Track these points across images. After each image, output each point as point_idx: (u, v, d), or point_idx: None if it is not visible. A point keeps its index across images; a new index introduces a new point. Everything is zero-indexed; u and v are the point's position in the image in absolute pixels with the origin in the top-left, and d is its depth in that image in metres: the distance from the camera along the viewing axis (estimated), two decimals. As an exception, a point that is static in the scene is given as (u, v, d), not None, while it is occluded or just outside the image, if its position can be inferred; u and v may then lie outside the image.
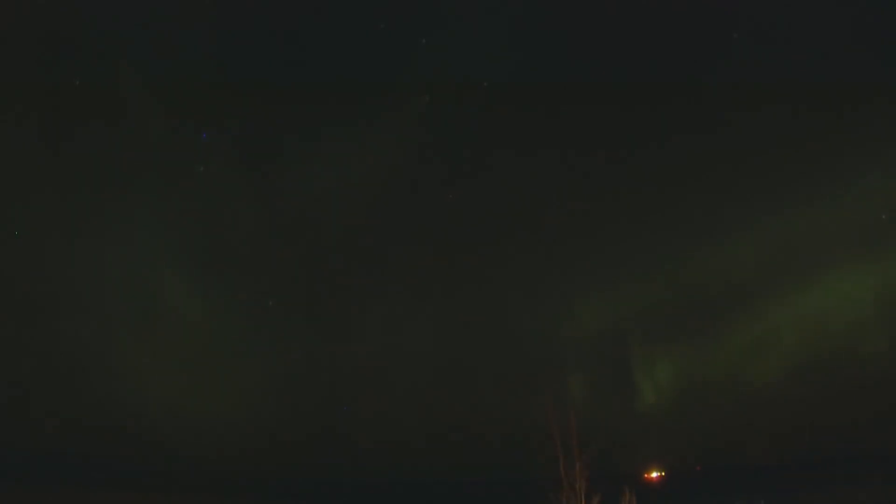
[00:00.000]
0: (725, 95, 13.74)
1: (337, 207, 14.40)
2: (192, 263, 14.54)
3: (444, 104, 14.00)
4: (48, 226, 14.35)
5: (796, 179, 13.60)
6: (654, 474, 13.73)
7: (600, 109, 13.82)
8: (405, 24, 13.96)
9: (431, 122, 14.09)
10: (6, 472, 13.66)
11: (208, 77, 14.15)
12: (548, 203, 14.08)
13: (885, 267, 13.47)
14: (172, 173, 14.27)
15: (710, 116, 13.77)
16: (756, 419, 13.44)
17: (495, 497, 13.74)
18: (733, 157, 13.83)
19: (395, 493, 13.74)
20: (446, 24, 13.95)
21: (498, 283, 14.04)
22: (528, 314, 13.97)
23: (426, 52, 13.92)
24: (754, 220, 13.77)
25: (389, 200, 14.39)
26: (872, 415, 13.40)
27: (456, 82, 13.98)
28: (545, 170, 14.02)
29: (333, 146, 14.31)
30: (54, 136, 13.94)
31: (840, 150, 13.56)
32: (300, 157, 14.37)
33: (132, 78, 14.10)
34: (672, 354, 13.60)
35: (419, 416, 13.88)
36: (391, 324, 14.30)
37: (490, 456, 13.58)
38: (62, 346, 13.98)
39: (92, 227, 14.41)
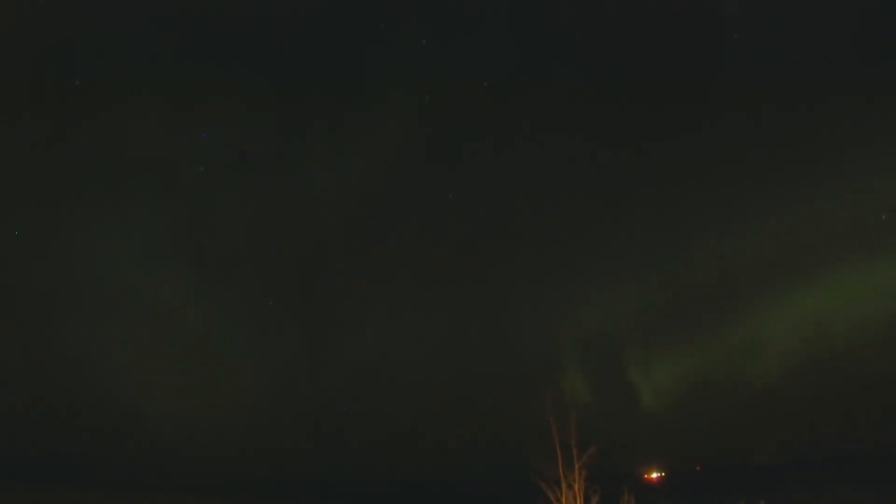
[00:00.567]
0: (724, 95, 13.74)
1: (337, 207, 14.40)
2: (192, 263, 14.54)
3: (443, 104, 13.99)
4: (48, 227, 14.36)
5: (797, 179, 13.62)
6: (654, 475, 13.73)
7: (600, 109, 13.83)
8: (405, 25, 13.96)
9: (431, 121, 14.09)
10: (6, 472, 13.69)
11: (208, 77, 14.14)
12: (547, 203, 14.10)
13: (885, 266, 13.47)
14: (174, 173, 14.27)
15: (708, 116, 13.77)
16: (756, 419, 13.45)
17: (494, 497, 13.74)
18: (732, 157, 13.84)
19: (394, 493, 13.74)
20: (446, 25, 13.95)
21: (498, 283, 14.05)
22: (528, 314, 13.98)
23: (426, 53, 13.92)
24: (755, 220, 13.81)
25: (389, 200, 14.38)
26: (873, 415, 13.41)
27: (456, 82, 13.97)
28: (545, 170, 14.03)
29: (334, 146, 14.32)
30: (53, 136, 13.96)
31: (841, 149, 13.57)
32: (300, 157, 14.37)
33: (132, 78, 14.10)
34: (672, 354, 13.61)
35: (417, 416, 13.88)
36: (391, 324, 14.31)
37: (489, 456, 13.59)
38: (61, 346, 13.99)
39: (93, 229, 14.41)
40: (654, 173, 13.92)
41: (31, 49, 13.72)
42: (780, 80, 13.81)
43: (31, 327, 14.00)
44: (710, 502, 13.67)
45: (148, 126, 14.03)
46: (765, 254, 13.61)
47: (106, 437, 13.93)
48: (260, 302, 14.26)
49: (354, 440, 13.98)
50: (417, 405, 13.91)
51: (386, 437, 13.88)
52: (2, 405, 13.91)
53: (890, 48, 13.57)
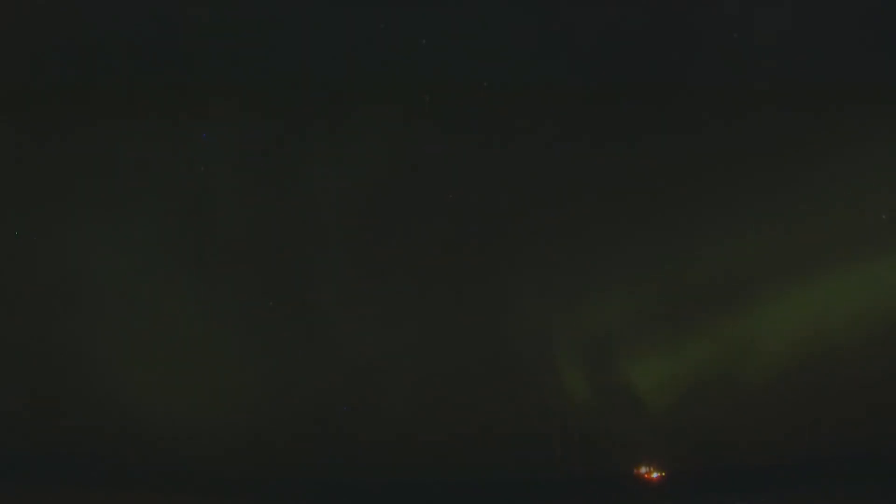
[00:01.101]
0: (722, 95, 13.85)
1: (337, 207, 14.50)
2: (192, 263, 14.61)
3: (444, 104, 14.14)
4: (48, 226, 14.44)
5: (796, 179, 13.70)
6: (654, 474, 13.85)
7: (599, 111, 13.97)
8: (406, 25, 14.09)
9: (431, 122, 14.23)
10: (6, 472, 13.81)
11: (208, 77, 14.27)
12: (546, 202, 14.19)
13: (885, 266, 13.54)
14: (174, 173, 14.38)
15: (707, 117, 13.87)
16: (755, 418, 13.53)
17: (491, 496, 13.90)
18: (731, 157, 13.89)
19: (392, 492, 13.91)
20: (446, 25, 14.06)
21: (496, 282, 14.15)
22: (525, 313, 14.09)
23: (426, 53, 14.06)
24: (754, 219, 13.82)
25: (389, 200, 14.50)
26: (872, 414, 13.51)
27: (456, 82, 14.12)
28: (544, 170, 14.13)
29: (333, 146, 14.42)
30: (52, 136, 14.04)
31: (841, 149, 13.66)
32: (299, 156, 14.47)
33: (132, 77, 14.21)
34: (669, 352, 13.71)
35: (416, 415, 14.02)
36: (391, 324, 14.42)
37: (487, 455, 13.74)
38: (61, 344, 14.07)
39: (93, 228, 14.48)
40: (652, 173, 14.00)
41: (31, 49, 13.83)
42: (779, 79, 13.92)
43: (31, 326, 14.13)
44: (709, 502, 13.81)
45: (148, 126, 14.16)
46: (764, 252, 13.65)
47: (105, 436, 14.03)
48: (260, 302, 14.37)
49: (354, 439, 14.13)
50: (416, 404, 14.05)
51: (385, 436, 14.02)
52: (1, 404, 14.06)
53: (892, 47, 13.66)
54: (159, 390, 13.87)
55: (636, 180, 13.80)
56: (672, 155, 13.91)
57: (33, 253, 13.90)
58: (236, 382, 14.04)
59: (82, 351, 13.98)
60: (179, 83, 13.96)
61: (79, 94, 13.88)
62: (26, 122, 13.78)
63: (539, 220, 14.00)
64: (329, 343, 14.01)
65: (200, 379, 13.98)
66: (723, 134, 13.83)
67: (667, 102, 13.89)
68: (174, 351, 14.03)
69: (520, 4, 13.64)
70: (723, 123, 13.86)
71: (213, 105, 13.90)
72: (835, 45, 13.71)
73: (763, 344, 13.84)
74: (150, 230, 13.75)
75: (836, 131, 13.68)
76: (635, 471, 13.73)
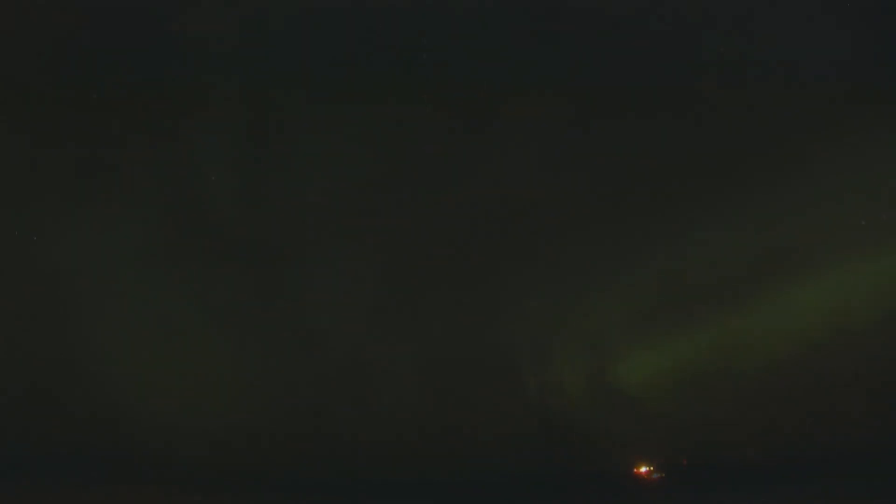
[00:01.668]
0: (719, 95, 13.93)
1: (337, 209, 14.59)
2: (194, 264, 14.68)
3: (443, 109, 14.26)
4: (49, 226, 14.51)
5: (794, 177, 13.75)
6: (644, 469, 13.90)
7: (598, 113, 14.05)
8: (406, 31, 14.19)
9: (431, 126, 14.33)
10: (6, 470, 13.84)
11: (210, 78, 14.38)
12: (544, 201, 14.28)
13: (881, 264, 13.58)
14: (177, 175, 14.45)
15: (704, 116, 13.93)
16: (749, 414, 13.54)
17: (488, 493, 13.95)
18: (728, 156, 13.96)
19: (389, 491, 13.97)
20: (447, 31, 14.17)
21: (494, 281, 14.22)
22: (522, 312, 14.17)
23: (426, 59, 14.16)
24: (750, 216, 13.91)
25: (389, 202, 14.58)
26: (868, 411, 13.52)
27: (456, 87, 14.23)
28: (543, 173, 14.24)
29: (335, 149, 14.52)
30: (53, 137, 14.10)
31: (839, 148, 13.71)
32: (300, 160, 14.55)
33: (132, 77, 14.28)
34: (666, 349, 13.77)
35: (415, 414, 14.09)
36: (390, 324, 14.49)
37: (482, 453, 13.79)
38: (63, 343, 14.11)
39: (95, 229, 14.57)
40: (650, 172, 14.04)
41: (32, 50, 13.88)
42: (777, 80, 13.97)
43: (31, 325, 14.16)
44: (704, 499, 13.78)
45: (149, 127, 14.23)
46: (759, 248, 13.71)
47: (106, 435, 14.06)
48: (261, 302, 14.42)
49: (354, 438, 14.16)
50: (415, 403, 14.09)
51: (385, 434, 14.06)
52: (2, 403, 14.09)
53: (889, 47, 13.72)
54: (158, 390, 13.94)
55: (632, 178, 13.89)
56: (668, 155, 14.00)
57: (33, 252, 13.97)
58: (235, 382, 14.11)
59: (83, 351, 14.06)
60: (180, 84, 14.05)
61: (80, 94, 13.97)
62: (26, 124, 13.86)
63: (536, 220, 14.09)
64: (327, 342, 14.11)
65: (199, 378, 14.05)
66: (719, 133, 13.92)
67: (663, 105, 13.98)
68: (175, 351, 14.10)
69: (519, 12, 13.76)
70: (719, 123, 13.96)
71: (213, 107, 13.98)
72: (833, 46, 13.79)
73: (759, 342, 13.89)
74: (149, 231, 13.82)
75: (828, 133, 13.78)
76: (634, 469, 13.77)
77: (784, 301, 14.01)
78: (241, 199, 14.48)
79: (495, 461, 14.06)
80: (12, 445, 14.10)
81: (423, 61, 14.24)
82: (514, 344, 14.36)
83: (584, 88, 14.26)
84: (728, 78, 14.24)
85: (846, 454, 13.86)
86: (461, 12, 14.02)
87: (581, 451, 13.99)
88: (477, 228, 14.42)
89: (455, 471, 14.07)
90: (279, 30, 14.10)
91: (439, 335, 14.52)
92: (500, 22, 14.03)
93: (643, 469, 13.93)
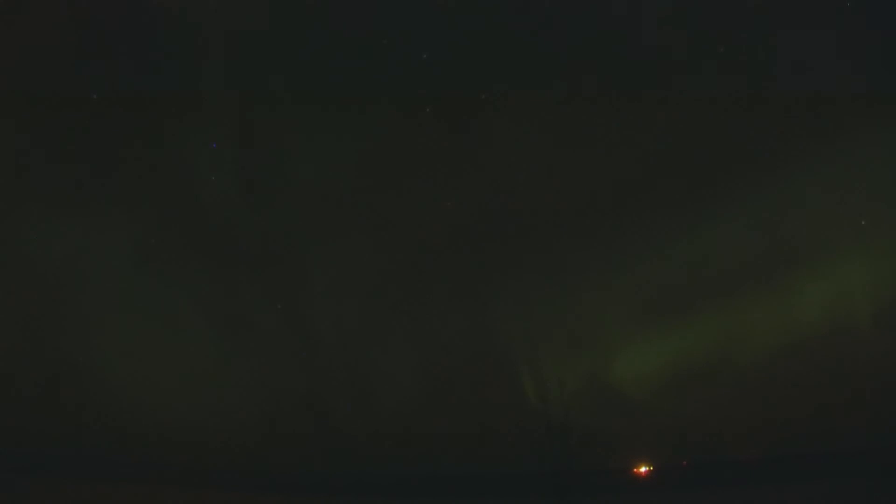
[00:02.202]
0: (713, 102, 13.98)
1: (338, 213, 14.73)
2: (194, 264, 14.84)
3: (443, 115, 14.38)
4: (55, 229, 14.69)
5: (791, 178, 13.77)
6: (643, 468, 13.92)
7: (598, 116, 14.12)
8: (407, 39, 14.32)
9: (431, 131, 14.45)
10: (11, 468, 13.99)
11: (213, 84, 14.53)
12: (545, 209, 14.39)
13: (874, 263, 13.57)
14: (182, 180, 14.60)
15: (707, 123, 13.97)
16: (746, 412, 13.52)
17: (483, 492, 14.02)
18: (726, 157, 14.00)
19: (385, 487, 14.08)
20: (447, 40, 14.30)
21: (493, 281, 14.30)
22: (520, 310, 14.26)
23: (427, 66, 14.30)
24: (743, 215, 13.94)
25: (390, 206, 14.70)
26: (866, 409, 13.48)
27: (455, 94, 14.36)
28: (542, 177, 14.33)
29: (336, 155, 14.65)
30: (56, 139, 14.27)
31: (836, 148, 13.72)
32: (301, 164, 14.70)
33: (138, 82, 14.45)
34: (662, 346, 13.80)
35: (411, 414, 14.20)
36: (390, 324, 14.60)
37: (479, 450, 13.84)
38: (67, 343, 14.29)
39: (99, 229, 14.74)
40: (648, 171, 14.06)
41: (34, 52, 14.05)
42: (769, 86, 13.99)
43: (33, 325, 14.31)
44: (700, 497, 13.75)
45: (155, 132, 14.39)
46: (755, 244, 13.71)
47: (107, 434, 14.18)
48: (261, 302, 14.55)
49: (354, 436, 14.24)
50: (415, 403, 14.16)
51: (385, 432, 14.13)
52: (6, 401, 14.23)
53: (882, 54, 13.70)
54: (158, 390, 14.08)
55: (631, 176, 13.96)
56: (667, 155, 14.06)
57: (37, 253, 14.16)
58: (237, 381, 14.26)
59: (85, 351, 14.23)
60: (182, 87, 14.21)
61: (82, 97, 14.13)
62: (27, 125, 14.06)
63: (535, 220, 14.17)
64: (324, 342, 14.24)
65: (201, 379, 14.20)
66: (714, 139, 13.99)
67: (659, 108, 14.03)
68: (175, 351, 14.25)
69: (519, 19, 13.85)
70: (715, 129, 14.01)
71: (217, 111, 14.12)
72: (828, 51, 13.82)
73: (758, 341, 13.92)
74: (150, 231, 13.97)
75: (826, 132, 13.80)
76: (634, 469, 13.80)
77: (783, 300, 14.01)
78: (241, 200, 14.64)
79: (495, 461, 14.10)
80: (12, 445, 14.30)
81: (423, 62, 14.32)
82: (513, 344, 14.42)
83: (582, 88, 14.30)
84: (727, 77, 14.25)
85: (846, 453, 13.83)
86: (458, 12, 14.13)
87: (581, 451, 14.00)
88: (476, 229, 14.50)
89: (454, 471, 14.15)
90: (274, 29, 14.24)
91: (438, 335, 14.61)
92: (499, 21, 14.14)
93: (643, 469, 13.95)
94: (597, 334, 14.06)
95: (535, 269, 14.21)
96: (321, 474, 14.26)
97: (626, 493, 13.90)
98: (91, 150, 14.59)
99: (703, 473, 13.87)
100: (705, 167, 14.10)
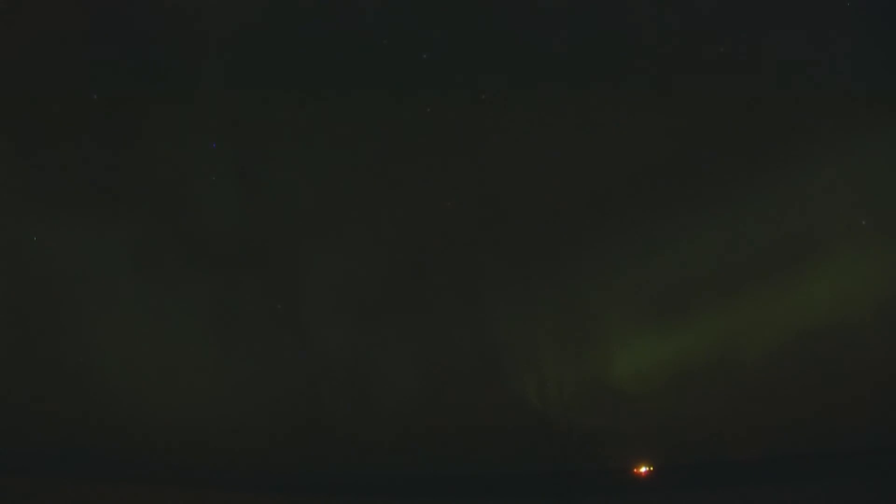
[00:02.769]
0: (710, 100, 13.98)
1: (337, 213, 14.72)
2: (195, 265, 14.83)
3: (444, 114, 14.38)
4: (55, 229, 14.68)
5: (788, 179, 13.77)
6: (643, 469, 13.93)
7: (598, 116, 14.12)
8: (407, 39, 14.32)
9: (431, 131, 14.45)
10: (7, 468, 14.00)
11: (215, 84, 14.53)
12: (545, 209, 14.39)
13: (872, 263, 13.58)
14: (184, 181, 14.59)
15: (707, 123, 13.97)
16: (746, 411, 13.53)
17: (483, 492, 14.02)
18: (725, 157, 14.01)
19: (385, 487, 14.07)
20: (447, 40, 14.30)
21: (494, 282, 14.31)
22: (518, 309, 14.28)
23: (427, 66, 14.31)
24: (744, 213, 13.95)
25: (390, 206, 14.70)
26: (865, 408, 13.48)
27: (455, 93, 14.36)
28: (543, 177, 14.33)
29: (335, 154, 14.64)
30: (57, 142, 14.27)
31: (834, 147, 13.73)
32: (301, 164, 14.70)
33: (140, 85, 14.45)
34: (661, 345, 13.81)
35: (411, 414, 14.21)
36: (390, 324, 14.61)
37: (479, 450, 13.85)
38: (66, 343, 14.30)
39: (99, 229, 14.74)
40: (645, 171, 14.06)
41: (36, 55, 14.06)
42: (768, 85, 13.99)
43: (33, 324, 14.32)
44: (701, 497, 13.75)
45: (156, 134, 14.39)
46: (755, 244, 13.70)
47: (107, 434, 14.19)
48: (261, 302, 14.56)
49: (354, 436, 14.25)
50: (414, 403, 14.18)
51: (385, 432, 14.14)
52: (6, 401, 14.24)
53: (883, 53, 13.69)
54: (157, 390, 14.09)
55: (629, 176, 13.96)
56: (663, 155, 14.05)
57: (38, 254, 14.17)
58: (238, 381, 14.26)
59: (86, 350, 14.24)
60: (183, 88, 14.21)
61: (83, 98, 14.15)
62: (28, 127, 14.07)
63: (534, 220, 14.17)
64: (324, 342, 14.25)
65: (201, 379, 14.21)
66: (713, 137, 13.99)
67: (660, 108, 14.04)
68: (175, 350, 14.25)
69: (518, 21, 13.86)
70: (714, 127, 14.01)
71: (216, 112, 14.12)
72: (825, 50, 13.82)
73: (757, 340, 13.92)
74: (147, 232, 13.99)
75: (824, 132, 13.81)
76: (634, 469, 13.80)
77: (783, 300, 14.00)
78: (239, 199, 14.64)
79: (495, 461, 14.10)
80: (12, 445, 14.31)
81: (424, 61, 14.31)
82: (513, 343, 14.43)
83: (582, 88, 14.30)
84: (726, 77, 14.25)
85: (846, 453, 13.82)
86: (457, 12, 14.12)
87: (581, 451, 13.99)
88: (476, 228, 14.50)
89: (454, 470, 14.16)
90: (269, 28, 14.24)
91: (438, 335, 14.62)
92: (499, 21, 14.14)
93: (643, 469, 13.95)
94: (597, 334, 14.05)
95: (535, 268, 14.20)
96: (321, 474, 14.22)
97: (626, 493, 13.89)
98: (91, 150, 14.55)
99: (703, 473, 13.84)
100: (705, 167, 14.07)
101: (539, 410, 13.91)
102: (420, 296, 14.40)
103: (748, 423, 13.78)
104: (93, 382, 14.53)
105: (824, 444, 13.71)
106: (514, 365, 14.20)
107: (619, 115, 14.11)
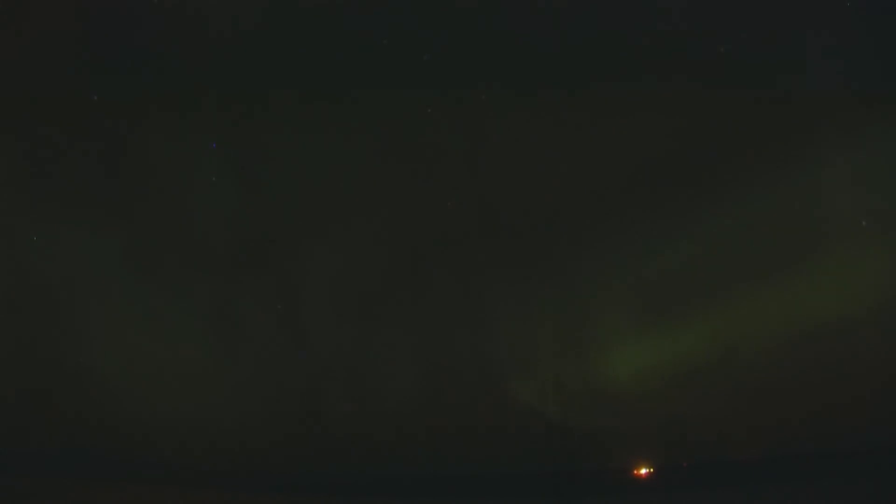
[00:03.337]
0: (710, 100, 13.98)
1: (338, 214, 14.74)
2: (196, 265, 14.85)
3: (444, 115, 14.41)
4: (54, 229, 14.71)
5: (786, 179, 13.78)
6: (643, 470, 13.94)
7: (597, 117, 14.13)
8: (408, 39, 14.35)
9: (432, 132, 14.48)
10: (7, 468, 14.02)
11: (215, 83, 14.54)
12: (546, 209, 14.40)
13: (871, 262, 13.60)
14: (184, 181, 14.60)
15: (707, 123, 13.99)
16: (746, 411, 13.55)
17: (483, 492, 14.02)
18: (724, 157, 14.02)
19: (385, 487, 14.08)
20: (448, 42, 14.32)
21: (494, 282, 14.32)
22: (516, 308, 14.29)
23: (428, 67, 14.33)
24: (743, 213, 13.94)
25: (390, 207, 14.72)
26: (865, 408, 13.49)
27: (456, 95, 14.39)
28: (543, 177, 14.34)
29: (336, 155, 14.66)
30: (59, 143, 14.30)
31: (832, 146, 13.75)
32: (302, 165, 14.71)
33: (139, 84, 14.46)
34: (660, 344, 13.82)
35: (409, 413, 14.22)
36: (390, 324, 14.61)
37: (479, 450, 13.87)
38: (66, 343, 14.32)
39: (98, 229, 14.75)
40: (649, 171, 14.09)
41: (37, 56, 14.08)
42: (766, 85, 14.00)
43: (32, 324, 14.36)
44: (700, 497, 13.77)
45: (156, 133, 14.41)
46: (755, 244, 13.71)
47: (110, 434, 14.22)
48: (261, 302, 14.57)
49: (354, 436, 14.26)
50: (413, 402, 14.19)
51: (384, 432, 14.16)
52: (5, 401, 14.27)
53: (884, 52, 13.71)
54: (155, 390, 14.12)
55: (629, 175, 13.97)
56: (664, 155, 14.06)
57: (39, 255, 14.18)
58: (238, 381, 14.28)
59: (87, 350, 14.26)
60: (184, 89, 14.22)
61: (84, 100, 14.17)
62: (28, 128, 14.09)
63: (533, 219, 14.18)
64: (324, 342, 14.26)
65: (202, 378, 14.23)
66: (711, 137, 13.99)
67: (660, 108, 14.04)
68: (176, 351, 14.28)
69: (519, 22, 13.87)
70: (712, 127, 14.01)
71: (217, 113, 14.13)
72: (824, 50, 13.81)
73: (757, 339, 13.92)
74: (143, 230, 14.01)
75: (822, 131, 13.81)
76: (634, 469, 13.81)
77: (783, 300, 14.02)
78: (238, 199, 14.65)
79: (495, 461, 14.11)
80: (12, 445, 14.33)
81: (424, 61, 14.33)
82: (513, 343, 14.45)
83: (582, 88, 14.30)
84: (726, 77, 14.25)
85: (846, 453, 13.83)
86: (457, 12, 14.14)
87: (581, 451, 14.00)
88: (476, 228, 14.52)
89: (454, 470, 14.17)
90: (269, 28, 14.26)
91: (438, 335, 14.63)
92: (499, 21, 14.15)
93: (643, 469, 13.97)
94: (597, 334, 14.07)
95: (535, 268, 14.21)
96: (321, 474, 14.24)
97: (626, 494, 13.92)
98: (91, 150, 14.57)
99: (703, 473, 13.85)
100: (705, 167, 14.08)
101: (539, 410, 13.91)
102: (420, 295, 14.41)
103: (748, 423, 13.79)
104: (93, 382, 14.55)
105: (824, 444, 13.69)
106: (514, 365, 14.22)
107: (620, 115, 14.09)
